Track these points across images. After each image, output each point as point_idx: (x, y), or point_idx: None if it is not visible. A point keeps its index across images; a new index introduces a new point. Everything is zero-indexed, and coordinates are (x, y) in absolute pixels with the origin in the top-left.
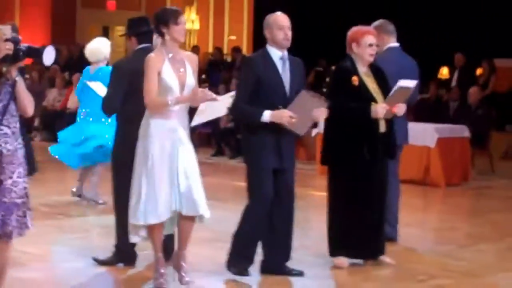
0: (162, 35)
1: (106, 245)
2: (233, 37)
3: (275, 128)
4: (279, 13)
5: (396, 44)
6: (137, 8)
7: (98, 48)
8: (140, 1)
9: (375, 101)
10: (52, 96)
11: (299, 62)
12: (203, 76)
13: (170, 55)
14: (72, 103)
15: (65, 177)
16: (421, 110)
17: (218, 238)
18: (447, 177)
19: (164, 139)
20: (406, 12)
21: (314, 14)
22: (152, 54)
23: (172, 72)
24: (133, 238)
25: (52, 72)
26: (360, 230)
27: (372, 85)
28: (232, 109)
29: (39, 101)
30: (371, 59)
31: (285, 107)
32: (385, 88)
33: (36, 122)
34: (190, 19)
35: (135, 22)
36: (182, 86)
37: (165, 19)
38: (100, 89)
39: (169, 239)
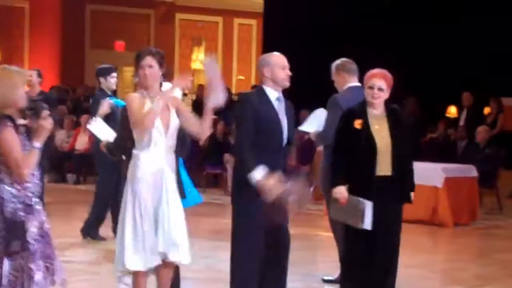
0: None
1: (113, 287)
2: (241, 77)
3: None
4: (278, 53)
5: (357, 84)
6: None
7: None
8: (149, 42)
9: (375, 144)
10: (60, 137)
11: (290, 104)
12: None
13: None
14: (80, 144)
15: (71, 218)
16: (429, 149)
17: (221, 278)
18: (455, 217)
19: (151, 183)
20: (414, 51)
21: (322, 55)
22: (132, 93)
23: None
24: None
25: (60, 113)
26: (366, 276)
27: (378, 128)
28: (236, 152)
29: (49, 143)
30: (373, 101)
31: (281, 148)
32: (397, 130)
33: (44, 164)
34: (199, 60)
35: None
36: (167, 126)
37: (136, 61)
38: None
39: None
